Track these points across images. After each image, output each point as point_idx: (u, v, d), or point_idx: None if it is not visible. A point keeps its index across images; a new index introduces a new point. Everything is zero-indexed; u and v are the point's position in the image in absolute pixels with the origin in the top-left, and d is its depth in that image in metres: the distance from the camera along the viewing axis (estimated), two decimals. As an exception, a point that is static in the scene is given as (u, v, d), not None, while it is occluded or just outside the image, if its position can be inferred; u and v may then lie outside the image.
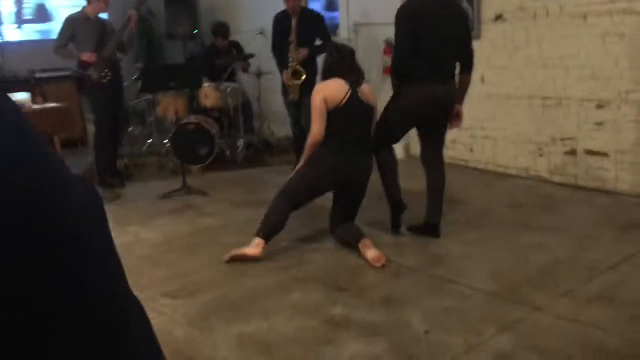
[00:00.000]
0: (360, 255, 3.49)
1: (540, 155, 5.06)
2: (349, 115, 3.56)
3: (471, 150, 5.62)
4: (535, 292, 2.99)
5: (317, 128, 3.57)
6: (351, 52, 3.75)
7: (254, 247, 3.50)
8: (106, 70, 5.26)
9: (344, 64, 3.66)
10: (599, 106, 4.57)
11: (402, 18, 3.63)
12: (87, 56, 5.22)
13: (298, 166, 3.75)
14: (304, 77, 5.44)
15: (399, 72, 3.72)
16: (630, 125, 4.40)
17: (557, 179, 4.95)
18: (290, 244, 3.82)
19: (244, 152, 6.36)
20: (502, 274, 3.23)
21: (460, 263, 3.41)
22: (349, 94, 3.56)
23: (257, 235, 3.54)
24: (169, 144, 6.00)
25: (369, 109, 3.67)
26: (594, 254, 3.45)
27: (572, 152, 4.82)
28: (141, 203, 5.02)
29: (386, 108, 3.88)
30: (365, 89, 3.66)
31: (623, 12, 4.29)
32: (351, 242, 3.57)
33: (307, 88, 5.20)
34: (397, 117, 3.82)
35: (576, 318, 2.71)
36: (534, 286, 3.06)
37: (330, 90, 3.58)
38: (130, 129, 6.76)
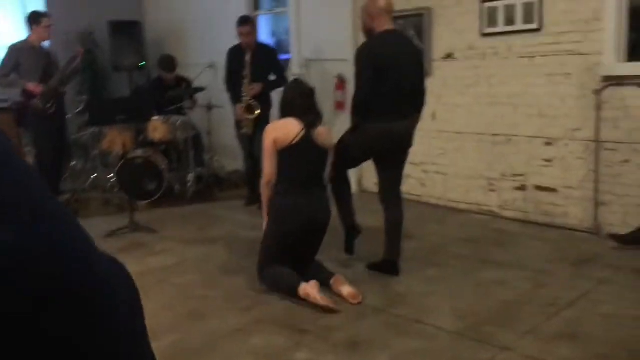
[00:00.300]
0: (333, 292, 3.39)
1: (491, 190, 5.15)
2: (300, 156, 3.50)
3: (423, 185, 5.67)
4: (500, 330, 2.98)
5: (268, 169, 3.54)
6: (311, 91, 3.70)
7: (312, 293, 3.26)
8: (51, 102, 5.10)
9: (303, 102, 3.60)
10: (548, 143, 4.71)
11: (364, 58, 3.65)
12: (33, 86, 5.05)
13: (264, 226, 3.63)
14: (258, 111, 5.38)
15: (360, 110, 3.71)
16: (578, 162, 4.55)
17: (508, 214, 5.04)
18: (249, 283, 3.70)
19: (194, 187, 6.19)
20: (466, 312, 3.20)
21: (423, 301, 3.37)
22: (301, 134, 3.50)
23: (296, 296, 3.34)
24: (114, 179, 5.78)
25: (323, 151, 3.61)
26: (551, 290, 3.49)
27: (522, 188, 4.93)
28: (86, 241, 4.77)
29: (343, 138, 3.87)
30: (321, 130, 3.59)
31: (569, 54, 4.47)
32: (321, 281, 3.47)
33: (262, 122, 5.14)
34: (355, 149, 3.82)
35: (543, 357, 2.70)
36: (497, 324, 3.05)
37: (281, 132, 3.53)
38: (73, 163, 6.48)
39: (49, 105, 5.12)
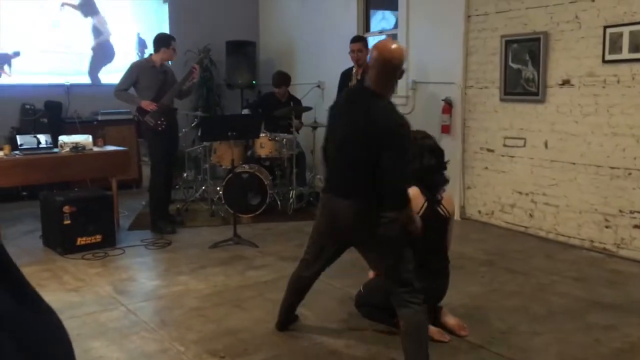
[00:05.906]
0: (439, 322, 3.28)
1: (607, 227, 4.81)
2: (424, 229, 3.07)
3: (531, 216, 5.40)
4: (611, 381, 2.75)
5: None
6: (442, 152, 3.24)
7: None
8: (162, 119, 5.37)
9: (437, 170, 3.20)
10: (674, 180, 4.33)
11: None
12: (147, 104, 5.35)
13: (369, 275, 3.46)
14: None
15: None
16: None
17: (624, 253, 4.67)
18: (342, 305, 3.68)
19: (295, 204, 6.29)
20: (573, 358, 2.99)
21: (527, 342, 3.18)
22: (424, 209, 3.13)
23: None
24: (221, 191, 6.01)
25: (444, 221, 3.26)
26: (672, 341, 3.18)
27: (643, 226, 4.56)
28: (191, 251, 4.98)
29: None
30: (444, 199, 3.24)
31: (703, 84, 4.10)
32: None
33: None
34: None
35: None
36: (608, 375, 2.82)
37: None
38: (185, 174, 6.82)
39: (159, 122, 5.40)
